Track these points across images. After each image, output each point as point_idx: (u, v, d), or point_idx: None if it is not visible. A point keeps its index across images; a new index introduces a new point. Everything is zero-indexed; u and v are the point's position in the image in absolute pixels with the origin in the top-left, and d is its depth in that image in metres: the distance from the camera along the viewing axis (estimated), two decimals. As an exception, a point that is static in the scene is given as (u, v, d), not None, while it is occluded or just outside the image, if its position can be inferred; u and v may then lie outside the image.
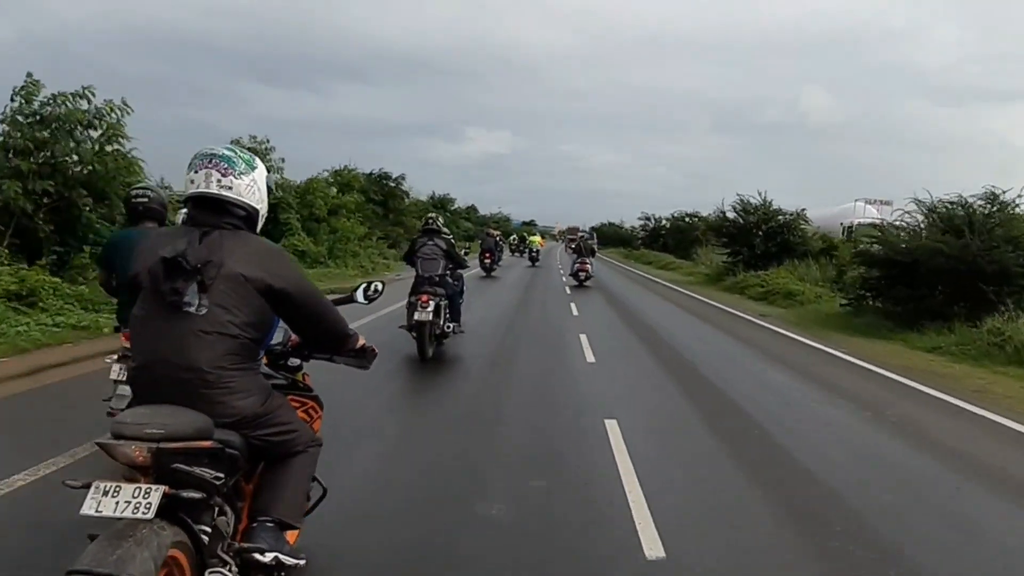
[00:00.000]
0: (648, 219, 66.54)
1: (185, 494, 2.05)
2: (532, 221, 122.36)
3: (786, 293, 19.75)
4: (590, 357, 9.30)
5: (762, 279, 22.39)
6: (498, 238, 30.34)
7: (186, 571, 2.09)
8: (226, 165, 2.43)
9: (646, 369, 8.93)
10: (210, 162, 2.42)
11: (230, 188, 2.42)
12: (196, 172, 2.43)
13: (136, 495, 1.99)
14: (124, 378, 3.96)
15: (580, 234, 38.85)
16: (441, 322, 8.65)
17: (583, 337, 10.66)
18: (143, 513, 1.96)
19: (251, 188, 2.47)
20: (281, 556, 2.41)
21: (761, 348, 11.21)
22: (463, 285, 10.15)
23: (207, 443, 2.14)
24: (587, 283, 22.83)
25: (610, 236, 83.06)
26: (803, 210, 27.45)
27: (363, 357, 2.85)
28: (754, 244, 26.23)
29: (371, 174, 36.23)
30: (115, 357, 4.30)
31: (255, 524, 2.42)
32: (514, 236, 52.63)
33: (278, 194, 20.20)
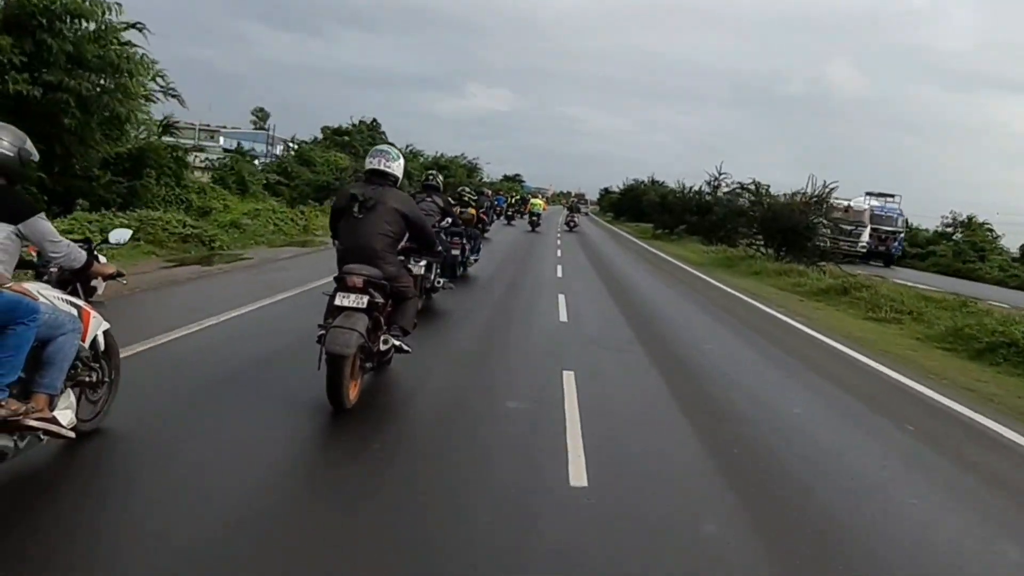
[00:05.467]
0: None
1: (377, 299, 4.93)
2: (517, 176, 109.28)
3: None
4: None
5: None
6: (492, 199, 28.61)
7: (367, 337, 4.94)
8: (388, 156, 5.29)
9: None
10: (381, 154, 5.31)
11: (388, 167, 5.29)
12: (373, 158, 5.33)
13: (356, 298, 4.89)
14: None
15: (573, 199, 59.04)
16: (432, 277, 9.03)
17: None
18: (359, 305, 4.89)
19: (399, 168, 5.35)
20: (402, 343, 5.33)
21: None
22: (479, 243, 14.25)
23: (384, 282, 5.03)
24: (575, 230, 36.73)
25: (656, 208, 44.96)
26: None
27: (438, 256, 5.78)
28: None
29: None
30: None
31: (390, 327, 5.31)
32: (516, 195, 49.38)
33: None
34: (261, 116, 65.33)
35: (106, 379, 4.21)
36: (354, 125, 40.52)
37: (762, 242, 24.38)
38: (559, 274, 16.05)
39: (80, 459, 3.90)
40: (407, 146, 44.79)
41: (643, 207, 53.04)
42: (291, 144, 36.53)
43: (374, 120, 42.47)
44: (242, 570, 3.05)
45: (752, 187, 27.83)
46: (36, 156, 3.75)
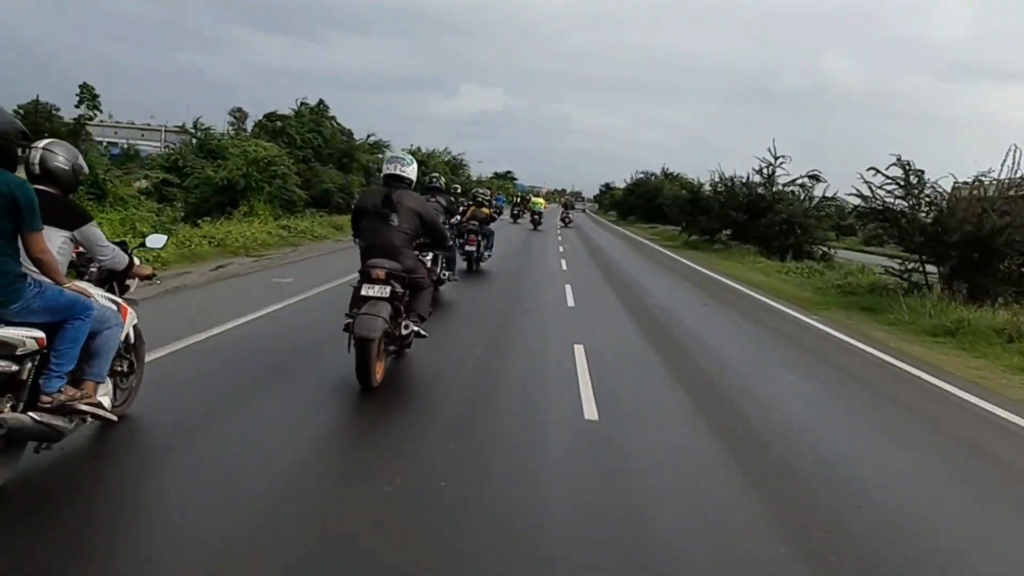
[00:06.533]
0: None
1: (398, 290, 5.58)
2: (509, 173, 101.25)
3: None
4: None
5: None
6: (492, 198, 24.15)
7: (390, 323, 5.58)
8: (403, 162, 5.97)
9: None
10: (397, 160, 6.05)
11: (404, 171, 5.97)
12: (390, 164, 6.07)
13: (380, 288, 5.57)
14: None
15: (568, 197, 62.29)
16: (438, 270, 9.85)
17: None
18: (383, 295, 5.59)
19: (413, 172, 6.05)
20: (420, 328, 5.99)
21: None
22: (492, 240, 15.86)
23: (403, 274, 5.70)
24: (569, 225, 41.25)
25: (683, 207, 35.60)
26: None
27: (451, 250, 6.47)
28: None
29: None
30: None
31: (409, 314, 5.99)
32: (517, 197, 47.87)
33: None
34: (239, 117, 61.64)
35: (135, 369, 4.68)
36: (295, 110, 32.87)
37: (919, 263, 14.61)
38: (578, 362, 7.06)
39: (113, 440, 4.33)
40: (368, 136, 38.51)
41: (660, 205, 44.38)
42: (192, 130, 26.98)
43: (320, 102, 34.65)
44: (289, 525, 3.50)
45: (901, 172, 14.80)
46: (87, 170, 4.25)
